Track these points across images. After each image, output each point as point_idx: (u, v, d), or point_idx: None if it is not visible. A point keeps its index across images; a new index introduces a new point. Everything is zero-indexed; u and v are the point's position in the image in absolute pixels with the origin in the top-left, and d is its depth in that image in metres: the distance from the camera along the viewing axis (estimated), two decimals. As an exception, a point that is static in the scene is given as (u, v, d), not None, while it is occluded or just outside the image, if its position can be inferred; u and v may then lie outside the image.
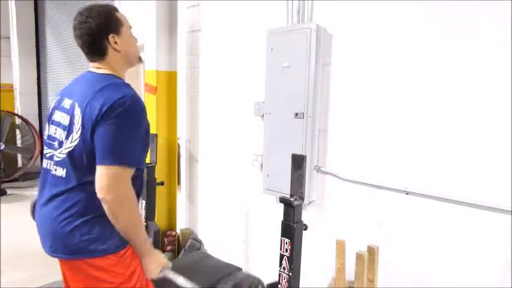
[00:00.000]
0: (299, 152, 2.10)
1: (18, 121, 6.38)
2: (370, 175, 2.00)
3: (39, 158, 6.48)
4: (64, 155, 1.28)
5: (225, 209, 2.98)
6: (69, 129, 1.28)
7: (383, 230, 1.94)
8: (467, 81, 1.64)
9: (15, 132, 6.34)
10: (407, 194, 1.85)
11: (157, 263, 1.35)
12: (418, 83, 1.79)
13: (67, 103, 1.32)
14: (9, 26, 6.52)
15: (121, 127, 1.22)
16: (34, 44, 6.63)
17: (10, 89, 6.66)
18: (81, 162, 1.25)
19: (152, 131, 3.08)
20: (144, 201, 2.72)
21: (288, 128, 2.25)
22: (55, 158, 1.31)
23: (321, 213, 2.25)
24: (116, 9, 1.38)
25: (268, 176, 2.42)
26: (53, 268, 3.00)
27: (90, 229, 1.25)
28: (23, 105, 6.60)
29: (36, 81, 6.73)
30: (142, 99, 3.33)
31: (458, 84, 1.67)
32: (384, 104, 1.93)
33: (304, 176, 1.52)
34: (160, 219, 3.13)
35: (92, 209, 1.26)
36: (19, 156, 6.54)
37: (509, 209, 1.53)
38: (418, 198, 1.81)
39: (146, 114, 1.32)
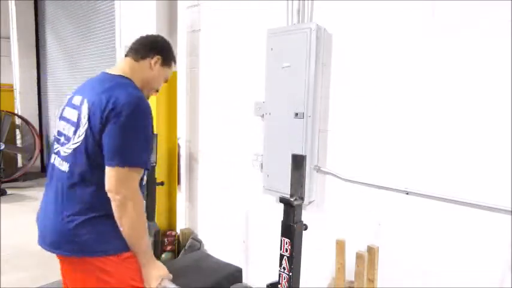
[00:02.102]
0: (299, 152, 2.10)
1: (18, 121, 6.38)
2: (370, 175, 2.00)
3: (39, 158, 6.48)
4: (70, 150, 1.29)
5: (225, 209, 2.98)
6: (76, 125, 1.29)
7: (383, 230, 1.94)
8: (467, 81, 1.64)
9: (15, 132, 6.35)
10: (407, 194, 1.85)
11: (157, 274, 1.33)
12: (418, 83, 1.79)
13: (77, 100, 1.35)
14: (9, 26, 6.52)
15: (129, 127, 1.23)
16: (34, 44, 6.63)
17: (10, 89, 6.66)
18: (86, 158, 1.26)
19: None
20: (144, 201, 2.72)
21: (288, 128, 2.25)
22: (62, 153, 1.32)
23: (321, 213, 2.25)
24: (175, 59, 1.60)
25: (268, 176, 2.42)
26: (53, 268, 3.01)
27: (93, 228, 1.26)
28: (23, 105, 6.60)
29: (36, 81, 6.74)
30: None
31: (458, 84, 1.67)
32: (384, 104, 1.93)
33: (304, 176, 1.52)
34: (160, 219, 3.13)
35: (96, 207, 1.26)
36: (19, 156, 6.54)
37: (509, 209, 1.53)
38: (418, 198, 1.81)
39: (152, 116, 1.33)
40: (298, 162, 1.50)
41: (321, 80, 2.17)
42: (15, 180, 6.10)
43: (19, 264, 3.17)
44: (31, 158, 6.25)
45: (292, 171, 1.53)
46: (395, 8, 1.85)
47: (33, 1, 6.50)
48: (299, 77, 2.16)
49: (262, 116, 2.48)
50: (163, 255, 3.13)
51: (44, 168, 6.71)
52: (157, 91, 1.58)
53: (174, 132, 3.30)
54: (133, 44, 1.52)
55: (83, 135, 1.26)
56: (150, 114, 1.32)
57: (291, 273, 1.50)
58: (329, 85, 2.17)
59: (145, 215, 1.35)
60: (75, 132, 1.29)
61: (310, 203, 2.28)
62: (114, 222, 1.27)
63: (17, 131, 6.43)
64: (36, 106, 6.75)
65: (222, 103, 2.94)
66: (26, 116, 6.40)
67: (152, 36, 1.57)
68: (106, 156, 1.23)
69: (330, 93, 2.17)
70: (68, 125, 1.34)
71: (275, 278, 1.61)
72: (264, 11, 2.50)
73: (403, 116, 1.86)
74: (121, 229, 1.26)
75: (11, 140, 6.14)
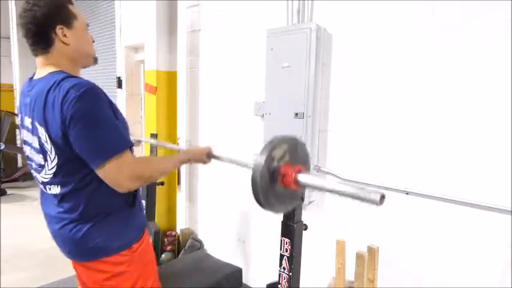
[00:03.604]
0: (299, 152, 2.10)
1: (18, 121, 6.38)
2: (370, 175, 2.00)
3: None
4: (50, 175, 1.24)
5: (225, 209, 2.98)
6: (42, 152, 1.22)
7: (383, 230, 1.94)
8: (467, 81, 1.64)
9: (15, 132, 6.35)
10: (407, 194, 1.85)
11: (199, 155, 1.39)
12: (418, 83, 1.79)
13: (27, 122, 1.25)
14: (9, 26, 6.52)
15: (89, 123, 1.13)
16: (34, 44, 6.62)
17: (10, 89, 6.66)
18: (70, 173, 1.21)
19: (152, 131, 3.09)
20: (144, 201, 2.72)
21: (288, 128, 2.25)
22: (43, 180, 1.27)
23: (321, 213, 2.25)
24: (69, 1, 1.28)
25: (268, 176, 2.42)
26: (53, 268, 3.01)
27: (100, 231, 1.26)
28: (23, 105, 6.60)
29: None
30: (143, 99, 3.33)
31: (458, 84, 1.67)
32: (384, 104, 1.93)
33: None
34: (160, 219, 3.13)
35: (95, 211, 1.25)
36: (19, 156, 6.54)
37: (509, 209, 1.53)
38: (418, 198, 1.81)
39: (103, 94, 1.19)
40: (298, 162, 1.50)
41: (321, 80, 2.17)
42: (15, 180, 6.10)
43: (19, 264, 3.17)
44: (31, 158, 6.25)
45: (292, 171, 1.52)
46: (396, 8, 1.85)
47: (33, 1, 6.50)
48: (299, 77, 2.15)
49: (262, 116, 2.48)
50: (163, 255, 3.13)
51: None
52: (95, 59, 1.39)
53: (174, 132, 3.30)
54: (27, 39, 1.24)
55: (56, 159, 1.20)
56: (101, 96, 1.17)
57: (291, 273, 1.50)
58: (329, 85, 2.17)
59: (153, 160, 1.35)
60: (45, 159, 1.22)
61: (310, 203, 2.28)
62: (119, 217, 1.29)
63: (17, 131, 6.42)
64: (36, 106, 6.75)
65: (222, 103, 2.94)
66: (26, 116, 6.40)
67: (28, 13, 1.20)
68: (88, 162, 1.16)
69: (330, 93, 2.17)
70: (33, 152, 1.26)
71: (275, 278, 1.61)
72: (264, 11, 2.50)
73: (403, 116, 1.86)
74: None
75: (11, 140, 6.14)
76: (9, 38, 6.55)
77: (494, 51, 1.56)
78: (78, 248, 1.27)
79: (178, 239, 3.30)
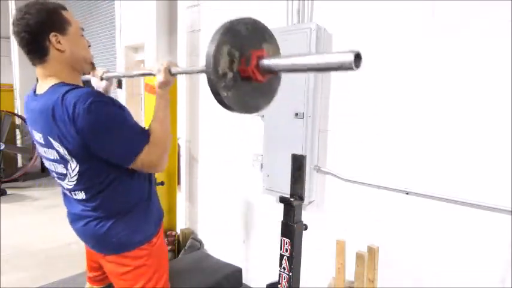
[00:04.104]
0: (299, 152, 2.10)
1: (18, 121, 6.38)
2: (370, 175, 2.00)
3: (39, 158, 6.47)
4: (74, 182, 1.27)
5: (225, 209, 2.98)
6: (63, 162, 1.24)
7: (383, 230, 1.94)
8: (467, 81, 1.64)
9: (15, 132, 6.35)
10: (407, 194, 1.85)
11: (163, 77, 1.28)
12: (418, 83, 1.79)
13: (37, 136, 1.26)
14: (9, 26, 6.52)
15: (108, 130, 1.16)
16: (34, 44, 6.62)
17: (10, 89, 6.66)
18: (92, 178, 1.25)
19: (152, 131, 3.08)
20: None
21: (288, 128, 2.25)
22: (67, 187, 1.31)
23: (321, 213, 2.25)
24: (62, 7, 1.25)
25: (268, 176, 2.42)
26: (53, 268, 3.01)
27: (121, 227, 1.31)
28: (23, 105, 6.60)
29: (36, 81, 6.73)
30: (143, 99, 3.33)
31: (458, 84, 1.67)
32: (384, 104, 1.93)
33: (304, 176, 1.52)
34: (160, 219, 3.13)
35: (117, 209, 1.31)
36: (19, 156, 6.54)
37: (509, 209, 1.53)
38: (418, 198, 1.81)
39: (106, 98, 1.19)
40: (298, 162, 1.50)
41: (321, 80, 2.17)
42: (15, 180, 6.10)
43: (19, 264, 3.17)
44: (31, 158, 6.25)
45: (292, 171, 1.53)
46: (396, 8, 1.85)
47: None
48: (299, 77, 2.15)
49: (262, 116, 2.48)
50: (163, 255, 3.13)
51: (44, 168, 6.70)
52: (93, 64, 1.39)
53: (174, 132, 3.29)
54: (23, 49, 1.24)
55: (77, 166, 1.22)
56: (102, 98, 1.16)
57: (291, 273, 1.50)
58: (329, 85, 2.17)
59: (155, 122, 1.31)
60: (66, 168, 1.25)
61: (310, 203, 2.28)
62: (138, 212, 1.34)
63: (17, 131, 6.42)
64: (36, 106, 6.75)
65: (222, 103, 2.94)
66: (26, 116, 6.40)
67: (20, 21, 1.18)
68: (120, 163, 1.23)
69: (330, 93, 2.17)
70: (55, 164, 1.28)
71: (275, 278, 1.61)
72: (264, 11, 2.50)
73: (403, 116, 1.86)
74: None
75: (11, 140, 6.14)
76: (9, 38, 6.55)
77: (494, 51, 1.56)
78: (102, 243, 1.34)
79: (178, 239, 3.30)
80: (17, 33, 1.20)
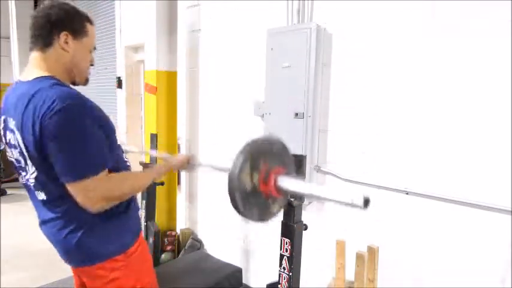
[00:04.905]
0: (299, 152, 2.10)
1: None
2: (370, 175, 2.00)
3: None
4: (33, 180, 1.21)
5: (225, 209, 2.96)
6: (22, 154, 1.18)
7: (383, 230, 1.94)
8: (467, 81, 1.64)
9: (15, 132, 6.34)
10: (407, 194, 1.85)
11: (180, 163, 1.37)
12: (418, 83, 1.79)
13: (11, 124, 1.20)
14: (9, 26, 6.52)
15: (66, 137, 1.09)
16: (34, 44, 6.62)
17: (10, 89, 6.64)
18: (52, 182, 1.17)
19: (152, 131, 3.08)
20: (144, 201, 2.72)
21: (288, 128, 2.25)
22: (29, 183, 1.24)
23: (321, 213, 2.25)
24: (89, 20, 1.29)
25: (268, 176, 2.42)
26: (53, 268, 3.01)
27: (95, 235, 1.24)
28: (23, 105, 6.60)
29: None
30: (143, 99, 3.33)
31: (458, 84, 1.67)
32: (384, 104, 1.93)
33: (304, 176, 1.52)
34: (160, 219, 3.13)
35: (85, 219, 1.22)
36: (19, 156, 6.53)
37: (509, 209, 1.53)
38: (418, 198, 1.81)
39: (91, 108, 1.16)
40: (298, 162, 1.50)
41: (321, 80, 2.17)
42: (15, 180, 6.09)
43: (19, 264, 3.17)
44: (31, 158, 6.24)
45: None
46: (396, 8, 1.85)
47: (33, 1, 6.49)
48: (299, 77, 2.15)
49: (262, 116, 2.48)
50: (163, 255, 3.13)
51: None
52: (86, 80, 1.36)
53: (174, 132, 3.29)
54: (31, 31, 1.22)
55: (35, 163, 1.17)
56: (86, 109, 1.14)
57: (291, 273, 1.50)
58: (329, 85, 2.17)
59: (129, 176, 1.29)
60: (25, 162, 1.19)
61: (310, 203, 2.28)
62: (111, 222, 1.26)
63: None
64: (36, 106, 6.75)
65: (222, 103, 2.94)
66: (26, 116, 6.40)
67: (44, 10, 1.21)
68: (58, 174, 1.12)
69: (330, 93, 2.17)
70: (17, 154, 1.21)
71: (275, 278, 1.61)
72: (264, 11, 2.50)
73: (403, 116, 1.86)
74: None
75: (11, 140, 6.13)
76: (9, 38, 6.54)
77: (494, 51, 1.56)
78: (72, 254, 1.27)
79: (178, 239, 3.30)
80: (34, 16, 1.21)
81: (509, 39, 1.51)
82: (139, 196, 2.74)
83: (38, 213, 1.32)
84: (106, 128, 1.21)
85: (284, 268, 1.52)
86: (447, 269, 1.74)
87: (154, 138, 2.91)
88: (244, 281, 2.65)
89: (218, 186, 3.04)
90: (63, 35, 1.21)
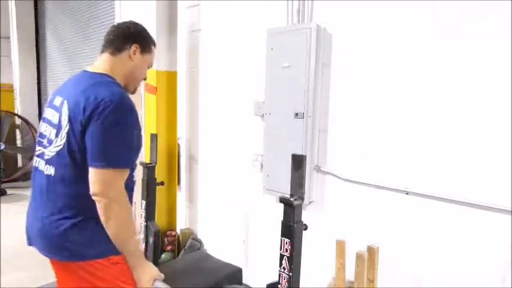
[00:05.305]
0: (299, 152, 2.10)
1: (18, 121, 6.37)
2: (370, 175, 2.00)
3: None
4: (54, 153, 1.26)
5: (224, 209, 2.97)
6: (58, 127, 1.26)
7: (383, 230, 1.94)
8: (467, 81, 1.64)
9: (15, 132, 6.34)
10: (407, 194, 1.85)
11: (149, 276, 1.30)
12: (418, 83, 1.79)
13: (58, 101, 1.31)
14: (9, 26, 6.51)
15: (112, 127, 1.20)
16: (34, 44, 6.62)
17: (10, 89, 6.65)
18: (71, 160, 1.23)
19: (152, 131, 3.08)
20: (144, 201, 2.72)
21: (288, 128, 2.25)
22: (45, 156, 1.29)
23: (321, 213, 2.25)
24: (153, 42, 1.50)
25: (268, 176, 2.42)
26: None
27: (81, 232, 1.24)
28: (23, 105, 6.59)
29: (36, 81, 6.73)
30: (143, 99, 3.34)
31: (458, 84, 1.67)
32: (384, 104, 1.93)
33: (304, 176, 1.52)
34: (160, 219, 3.13)
35: (84, 209, 1.23)
36: (19, 156, 6.54)
37: (509, 209, 1.53)
38: (418, 198, 1.81)
39: (136, 114, 1.30)
40: (298, 162, 1.50)
41: (321, 80, 2.17)
42: (15, 180, 6.10)
43: (19, 264, 3.17)
44: (31, 158, 6.24)
45: (292, 171, 1.52)
46: (396, 8, 1.85)
47: (33, 1, 6.49)
48: (299, 77, 2.15)
49: (262, 116, 2.48)
50: (163, 255, 3.13)
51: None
52: (144, 79, 1.54)
53: (174, 132, 3.29)
54: (107, 37, 1.42)
55: (65, 138, 1.23)
56: (134, 111, 1.28)
57: (291, 273, 1.50)
58: (329, 85, 2.17)
59: (132, 216, 1.31)
60: (57, 135, 1.26)
61: (310, 203, 2.28)
62: (102, 224, 1.25)
63: (17, 131, 6.41)
64: (36, 106, 6.73)
65: (222, 103, 2.94)
66: (26, 116, 6.39)
67: (124, 24, 1.46)
68: (89, 158, 1.19)
69: (330, 93, 2.17)
70: (50, 127, 1.30)
71: (275, 278, 1.61)
72: (264, 11, 2.50)
73: (403, 116, 1.86)
74: (108, 231, 1.23)
75: (11, 140, 6.13)
76: (9, 38, 6.54)
77: (494, 51, 1.56)
78: (54, 244, 1.25)
79: (178, 239, 3.30)
80: (115, 25, 1.46)
81: (509, 39, 1.51)
82: (139, 196, 2.74)
83: (32, 194, 1.34)
84: (138, 135, 1.33)
85: (284, 268, 1.52)
86: (447, 269, 1.74)
87: (154, 138, 2.91)
88: (244, 281, 2.65)
89: (218, 186, 3.04)
90: (134, 46, 1.41)
